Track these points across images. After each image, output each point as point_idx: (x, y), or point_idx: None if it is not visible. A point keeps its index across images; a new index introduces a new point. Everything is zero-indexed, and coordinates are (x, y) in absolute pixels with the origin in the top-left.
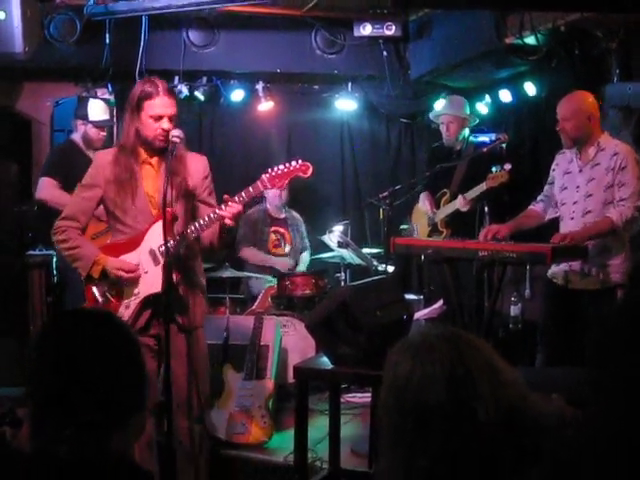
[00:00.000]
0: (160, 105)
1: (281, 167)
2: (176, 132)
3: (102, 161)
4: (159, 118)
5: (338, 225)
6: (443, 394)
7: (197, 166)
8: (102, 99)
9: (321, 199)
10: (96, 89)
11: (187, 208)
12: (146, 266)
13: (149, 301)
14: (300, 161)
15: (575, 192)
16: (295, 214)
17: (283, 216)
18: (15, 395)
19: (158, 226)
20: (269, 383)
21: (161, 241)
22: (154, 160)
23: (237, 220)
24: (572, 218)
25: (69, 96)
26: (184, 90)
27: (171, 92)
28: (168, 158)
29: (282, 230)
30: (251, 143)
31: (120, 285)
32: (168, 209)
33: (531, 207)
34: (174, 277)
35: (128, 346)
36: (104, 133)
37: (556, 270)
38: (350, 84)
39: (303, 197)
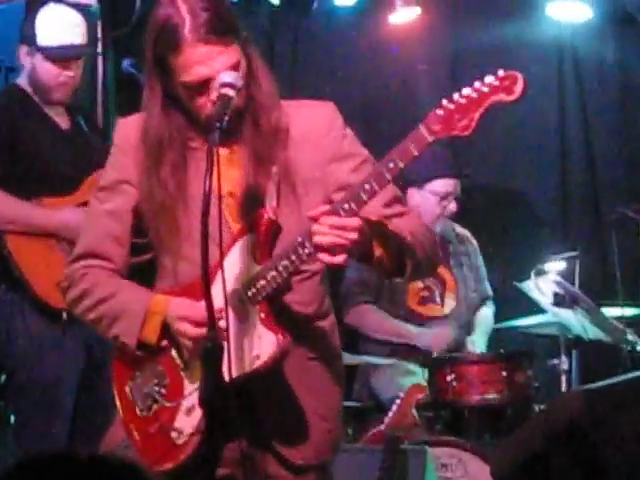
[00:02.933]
0: (198, 59)
1: (465, 91)
2: (227, 77)
3: (130, 137)
4: (204, 82)
5: (554, 260)
6: None
7: (313, 125)
8: (73, 5)
9: (516, 205)
10: None
11: (304, 209)
12: (224, 325)
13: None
14: (502, 71)
15: None
16: (463, 232)
17: (438, 238)
18: None
19: (246, 244)
20: None
21: (252, 271)
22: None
23: (347, 250)
24: None
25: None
26: None
27: (215, 27)
28: (214, 132)
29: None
30: (377, 87)
31: (186, 366)
32: (261, 212)
33: None
34: (275, 342)
35: None
36: (70, 72)
37: None
38: None
39: (479, 201)
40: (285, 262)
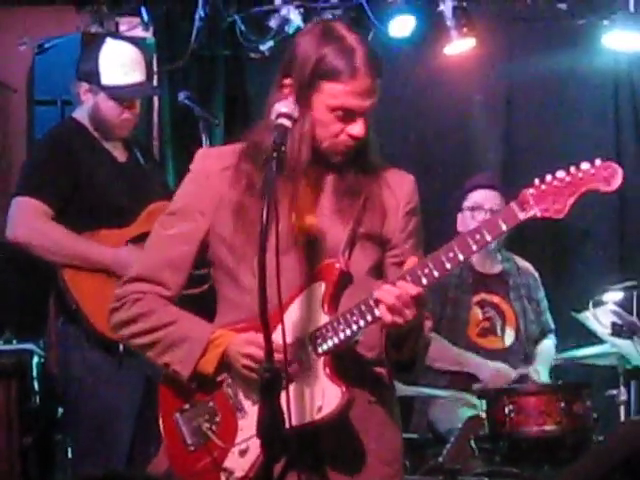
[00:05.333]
0: (357, 93)
1: (559, 174)
2: (283, 107)
3: (208, 168)
4: (349, 114)
5: (612, 290)
6: None
7: (395, 189)
8: (129, 39)
9: (573, 236)
10: (117, 18)
11: (370, 263)
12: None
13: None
14: (599, 161)
15: None
16: (522, 263)
17: (498, 270)
18: None
19: (314, 293)
20: None
21: (319, 321)
22: (315, 170)
23: (407, 315)
24: None
25: (65, 33)
26: (294, 18)
27: (375, 63)
28: (272, 161)
29: (495, 299)
30: (432, 118)
31: (238, 407)
32: (333, 262)
33: None
34: (339, 395)
35: None
36: (133, 111)
37: None
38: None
39: (538, 232)
40: (355, 316)
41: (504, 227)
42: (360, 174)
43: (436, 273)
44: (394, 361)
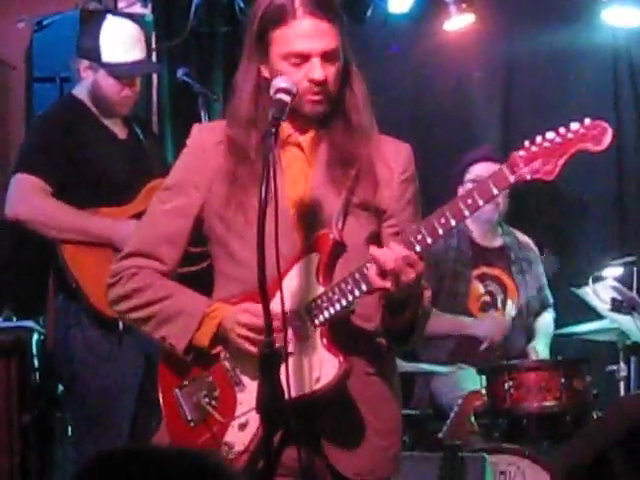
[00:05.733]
0: (302, 35)
1: (549, 135)
2: (282, 82)
3: (204, 142)
4: (303, 59)
5: (612, 266)
6: None
7: (389, 159)
8: (128, 16)
9: (572, 211)
10: None
11: (366, 233)
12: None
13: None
14: (588, 120)
15: None
16: (524, 239)
17: (499, 244)
18: None
19: (309, 264)
20: None
21: (314, 292)
22: (306, 136)
23: (405, 281)
24: None
25: (63, 10)
26: None
27: (319, 3)
28: (270, 137)
29: (496, 272)
30: (431, 94)
31: (236, 381)
32: (327, 233)
33: None
34: (336, 365)
35: None
36: (133, 88)
37: None
38: None
39: (536, 207)
40: (350, 285)
41: (495, 190)
42: (353, 143)
43: (429, 239)
44: (391, 330)
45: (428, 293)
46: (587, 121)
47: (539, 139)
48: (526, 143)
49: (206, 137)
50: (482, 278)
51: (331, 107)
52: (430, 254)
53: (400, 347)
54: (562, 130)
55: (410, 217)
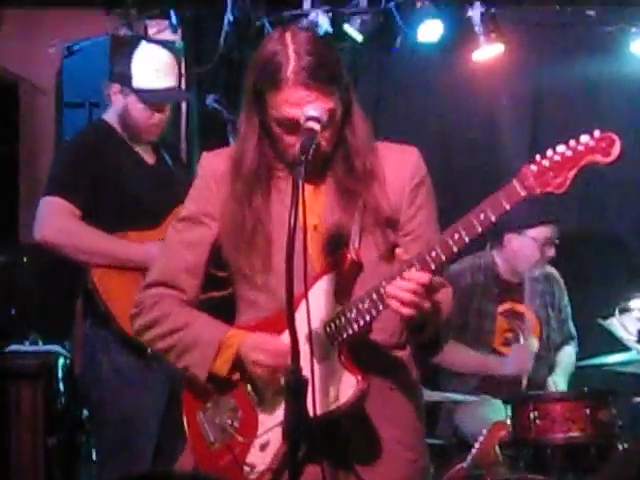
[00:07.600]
0: (292, 103)
1: (560, 148)
2: (312, 110)
3: (215, 170)
4: (296, 124)
5: (638, 297)
6: None
7: (399, 171)
8: (161, 43)
9: (600, 242)
10: (146, 21)
11: (383, 249)
12: (303, 363)
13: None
14: (598, 133)
15: None
16: (550, 271)
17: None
18: None
19: (328, 283)
20: None
21: (333, 312)
22: (314, 172)
23: (422, 305)
24: None
25: (94, 35)
26: (323, 22)
27: (312, 72)
28: (300, 165)
29: (521, 308)
30: (459, 124)
31: (257, 402)
32: (345, 252)
33: None
34: (354, 384)
35: None
36: (162, 115)
37: None
38: None
39: (564, 238)
40: (367, 305)
41: (507, 206)
42: (356, 183)
43: (443, 256)
44: (416, 344)
45: (449, 291)
46: (596, 133)
47: (550, 152)
48: (537, 157)
49: (216, 165)
50: (506, 314)
51: (333, 150)
52: (457, 291)
53: (428, 358)
54: (572, 143)
55: (425, 219)
